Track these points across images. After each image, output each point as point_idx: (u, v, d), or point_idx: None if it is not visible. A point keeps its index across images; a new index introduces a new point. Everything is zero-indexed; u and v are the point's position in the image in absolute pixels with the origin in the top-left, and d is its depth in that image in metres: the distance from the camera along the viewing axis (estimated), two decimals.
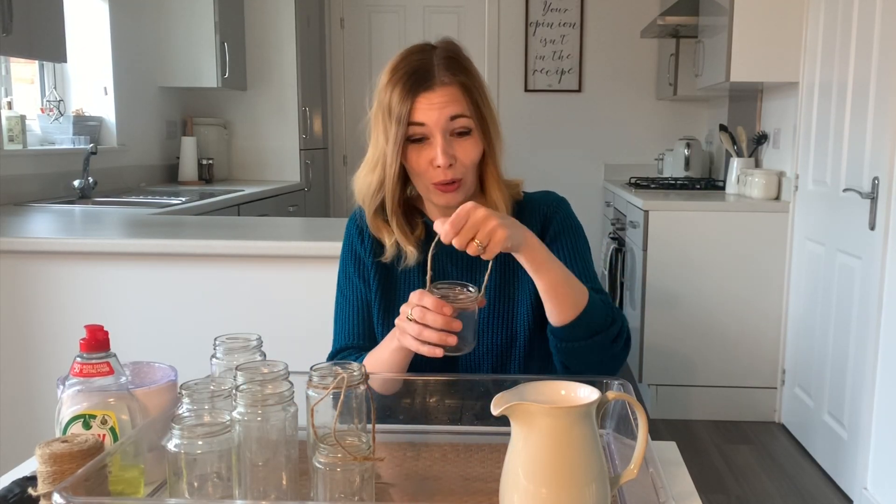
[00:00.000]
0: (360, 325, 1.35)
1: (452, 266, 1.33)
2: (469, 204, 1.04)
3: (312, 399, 0.94)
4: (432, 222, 1.32)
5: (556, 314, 1.15)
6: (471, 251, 1.03)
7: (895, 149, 2.52)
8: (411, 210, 1.34)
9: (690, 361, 3.59)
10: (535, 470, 0.81)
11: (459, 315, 1.08)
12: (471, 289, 1.10)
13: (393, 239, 1.31)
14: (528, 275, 1.30)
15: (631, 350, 4.35)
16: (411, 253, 1.30)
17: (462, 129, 1.23)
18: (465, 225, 1.03)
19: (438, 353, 1.08)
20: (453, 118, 1.22)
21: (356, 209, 1.39)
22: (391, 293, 1.33)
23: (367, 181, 1.28)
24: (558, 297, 1.13)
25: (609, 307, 1.19)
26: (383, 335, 1.32)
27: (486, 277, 1.15)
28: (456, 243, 1.03)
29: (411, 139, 1.23)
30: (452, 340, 1.07)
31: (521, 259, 1.10)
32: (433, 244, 1.11)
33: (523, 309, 1.30)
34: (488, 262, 1.14)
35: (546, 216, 1.34)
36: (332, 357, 1.34)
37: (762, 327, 3.52)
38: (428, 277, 1.10)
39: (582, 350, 1.16)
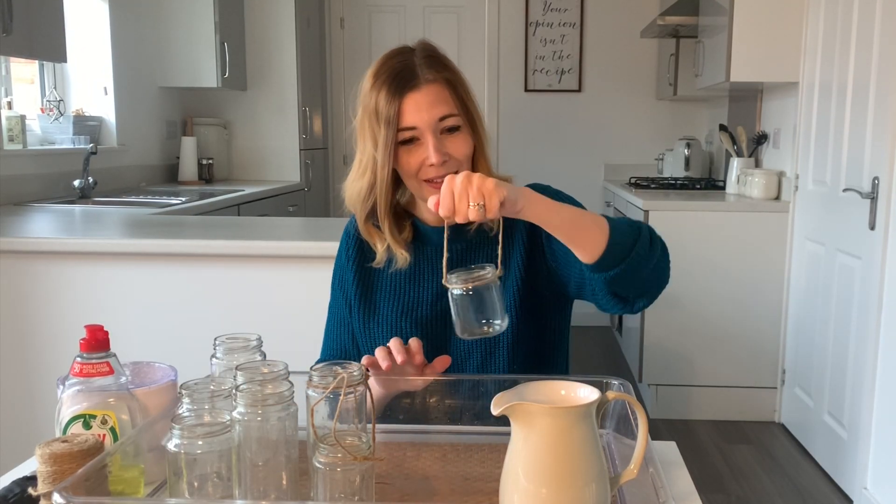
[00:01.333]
0: (339, 341, 1.39)
1: (442, 262, 1.33)
2: (448, 177, 1.02)
3: (312, 399, 0.94)
4: (422, 223, 1.33)
5: (588, 250, 1.09)
6: (472, 217, 0.99)
7: (895, 149, 2.52)
8: (400, 214, 1.34)
9: (690, 361, 3.59)
10: (535, 470, 0.81)
11: (478, 293, 1.06)
12: (486, 267, 1.08)
13: (385, 244, 1.31)
14: (513, 262, 1.30)
15: (631, 350, 4.30)
16: (402, 256, 1.31)
17: (451, 126, 1.24)
18: (455, 197, 1.00)
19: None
20: (442, 118, 1.23)
21: (351, 218, 1.40)
22: (373, 299, 1.35)
23: (356, 187, 1.29)
24: (581, 235, 1.09)
25: (627, 220, 1.16)
26: (366, 343, 1.34)
27: (499, 249, 1.10)
28: (458, 219, 1.00)
29: (401, 142, 1.23)
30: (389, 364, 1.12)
31: (528, 217, 1.06)
32: (445, 236, 1.09)
33: (508, 295, 1.30)
34: (489, 242, 1.12)
35: None
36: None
37: (762, 327, 3.52)
38: (444, 261, 1.09)
39: (630, 270, 1.11)
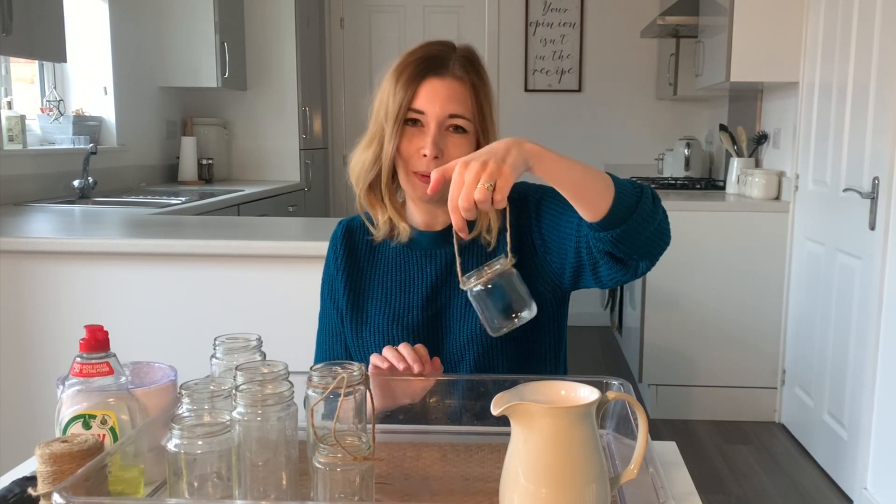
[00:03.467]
0: (331, 351, 1.39)
1: (431, 267, 1.33)
2: (458, 165, 0.97)
3: (312, 399, 0.94)
4: (412, 228, 1.34)
5: (594, 208, 1.07)
6: (480, 196, 0.94)
7: (895, 149, 2.52)
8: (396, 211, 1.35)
9: (690, 361, 3.59)
10: (535, 470, 0.81)
11: (499, 284, 1.04)
12: (498, 259, 1.06)
13: (386, 215, 1.32)
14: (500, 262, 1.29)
15: (631, 350, 4.30)
16: (404, 230, 1.32)
17: (458, 126, 1.24)
18: (465, 185, 0.95)
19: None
20: (453, 116, 1.23)
21: (337, 224, 1.42)
22: (363, 307, 1.35)
23: (362, 158, 1.30)
24: (588, 192, 1.07)
25: (630, 180, 1.15)
26: (358, 351, 1.34)
27: (507, 237, 1.07)
28: (462, 205, 0.95)
29: (407, 123, 1.24)
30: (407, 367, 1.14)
31: (538, 173, 1.03)
32: (455, 241, 1.09)
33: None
34: (480, 249, 1.16)
35: (519, 201, 1.31)
36: None
37: (762, 327, 3.52)
38: (458, 265, 1.08)
39: (634, 228, 1.10)
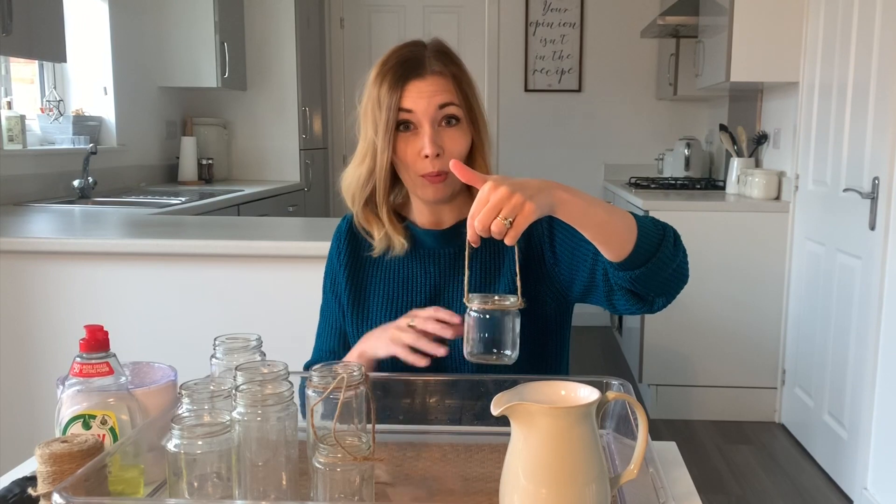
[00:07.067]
0: (329, 345, 1.39)
1: (434, 266, 1.33)
2: (489, 184, 0.96)
3: (312, 399, 0.94)
4: (414, 226, 1.33)
5: (617, 250, 1.08)
6: (496, 228, 0.95)
7: (895, 149, 2.52)
8: (396, 216, 1.34)
9: (690, 361, 3.59)
10: (535, 470, 0.81)
11: (499, 319, 1.07)
12: (509, 297, 1.08)
13: (383, 231, 1.31)
14: (506, 268, 1.29)
15: (631, 350, 4.30)
16: (400, 244, 1.30)
17: (450, 117, 1.23)
18: (487, 206, 0.95)
19: (422, 362, 1.16)
20: (442, 106, 1.22)
21: (342, 218, 1.41)
22: (366, 304, 1.35)
23: (356, 174, 1.29)
24: (610, 236, 1.07)
25: (652, 219, 1.15)
26: (357, 336, 1.33)
27: (518, 281, 1.11)
28: (478, 227, 0.96)
29: (399, 128, 1.23)
30: (442, 351, 1.15)
31: (562, 217, 1.03)
32: (466, 253, 1.11)
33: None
34: (483, 247, 1.17)
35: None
36: (307, 367, 1.35)
37: (762, 327, 3.52)
38: (465, 278, 1.11)
39: (654, 270, 1.11)
